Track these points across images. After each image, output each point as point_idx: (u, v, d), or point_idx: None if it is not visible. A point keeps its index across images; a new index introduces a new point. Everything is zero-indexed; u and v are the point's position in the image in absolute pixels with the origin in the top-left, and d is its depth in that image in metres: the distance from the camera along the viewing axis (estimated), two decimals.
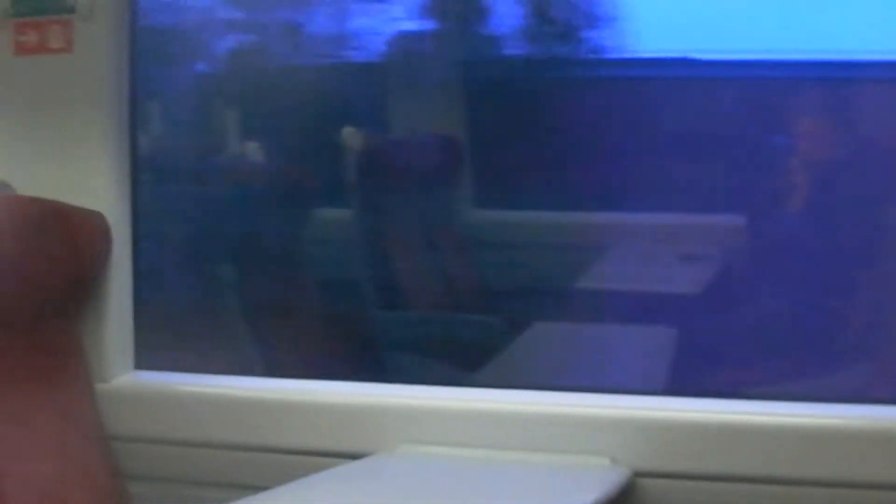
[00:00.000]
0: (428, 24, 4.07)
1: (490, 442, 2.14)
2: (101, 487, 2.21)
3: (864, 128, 3.37)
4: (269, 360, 3.14)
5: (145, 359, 2.44)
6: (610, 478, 1.97)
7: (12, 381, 2.08)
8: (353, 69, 3.90)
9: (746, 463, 1.98)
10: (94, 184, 2.35)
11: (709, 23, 3.33)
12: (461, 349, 3.35)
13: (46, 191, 2.23)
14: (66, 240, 2.23)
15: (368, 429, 2.20)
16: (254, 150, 3.53)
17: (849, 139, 3.40)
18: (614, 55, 3.85)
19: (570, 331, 3.36)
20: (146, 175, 2.60)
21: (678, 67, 3.69)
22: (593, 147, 3.53)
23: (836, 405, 2.05)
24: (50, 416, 2.15)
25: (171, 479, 2.31)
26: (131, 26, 2.41)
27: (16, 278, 2.06)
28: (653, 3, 3.75)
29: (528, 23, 4.04)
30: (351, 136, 3.59)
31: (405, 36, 3.96)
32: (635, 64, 3.81)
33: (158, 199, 2.91)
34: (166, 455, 2.31)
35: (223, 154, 3.70)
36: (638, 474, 2.03)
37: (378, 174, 3.84)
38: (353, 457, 2.13)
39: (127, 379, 2.39)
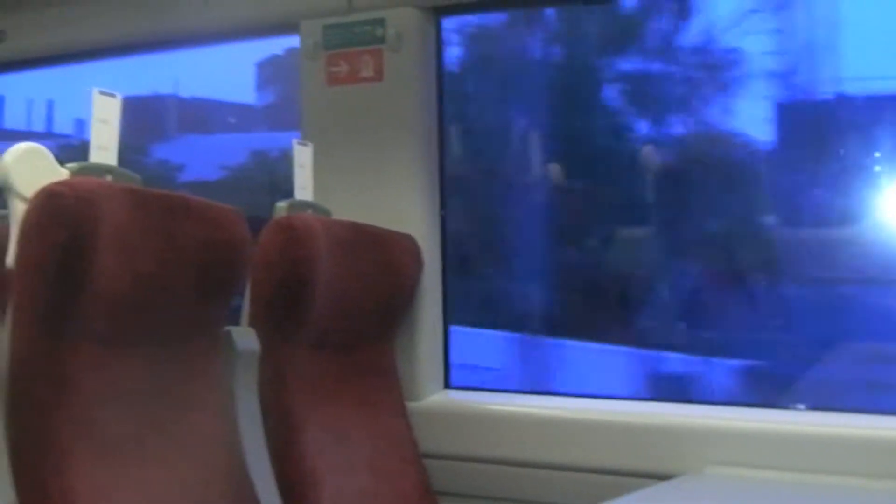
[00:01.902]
0: None
1: (804, 465, 2.04)
2: (413, 503, 2.27)
3: None
4: None
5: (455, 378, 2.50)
6: None
7: (331, 399, 2.16)
8: None
9: None
10: (405, 207, 2.43)
11: None
12: None
13: (360, 215, 2.32)
14: (380, 262, 2.31)
15: (675, 449, 2.16)
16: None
17: None
18: None
19: None
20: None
21: None
22: None
23: None
24: (365, 432, 2.22)
25: (480, 496, 2.34)
26: (438, 56, 2.48)
27: (335, 301, 2.14)
28: None
29: None
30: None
31: None
32: None
33: None
34: (476, 473, 2.34)
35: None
36: None
37: None
38: (660, 477, 2.09)
39: (438, 398, 2.45)
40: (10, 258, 1.61)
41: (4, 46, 3.07)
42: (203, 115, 3.99)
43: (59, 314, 1.59)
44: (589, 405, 2.38)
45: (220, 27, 2.68)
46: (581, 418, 2.30)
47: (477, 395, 2.49)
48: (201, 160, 3.68)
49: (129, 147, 1.74)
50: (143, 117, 3.96)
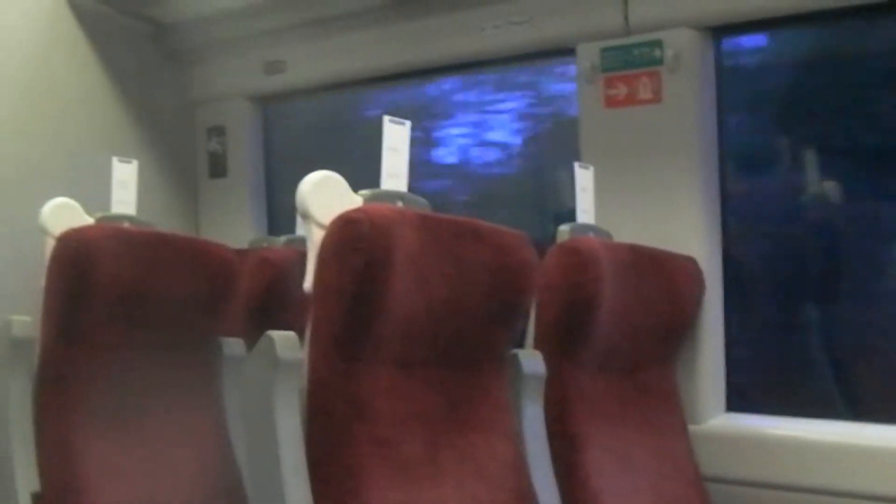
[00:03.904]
0: None
1: None
2: None
3: None
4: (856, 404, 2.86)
5: (736, 401, 2.46)
6: None
7: (614, 421, 2.16)
8: None
9: None
10: (685, 229, 2.40)
11: None
12: None
13: (640, 237, 2.31)
14: (661, 285, 2.30)
15: None
16: None
17: None
18: None
19: None
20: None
21: None
22: None
23: None
24: (648, 455, 2.21)
25: None
26: (717, 76, 2.45)
27: (617, 324, 2.14)
28: None
29: None
30: None
31: None
32: None
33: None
34: (758, 498, 2.29)
35: None
36: None
37: None
38: None
39: (719, 421, 2.41)
40: (308, 283, 1.68)
41: (285, 76, 3.21)
42: None
43: (356, 337, 1.65)
44: (876, 432, 2.28)
45: (496, 53, 2.73)
46: (868, 445, 2.21)
47: (759, 419, 2.43)
48: None
49: None
50: None
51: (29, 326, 2.23)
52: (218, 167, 3.38)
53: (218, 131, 3.38)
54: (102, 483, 2.16)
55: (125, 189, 2.44)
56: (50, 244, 2.25)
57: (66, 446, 2.15)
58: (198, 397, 2.43)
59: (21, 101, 2.89)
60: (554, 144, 3.09)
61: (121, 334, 2.28)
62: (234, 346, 2.48)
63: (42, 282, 2.22)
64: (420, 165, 2.48)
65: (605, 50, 2.49)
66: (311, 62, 3.14)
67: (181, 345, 2.39)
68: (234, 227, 3.26)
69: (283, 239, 2.82)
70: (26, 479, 2.16)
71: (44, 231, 2.32)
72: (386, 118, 1.78)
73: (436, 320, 1.75)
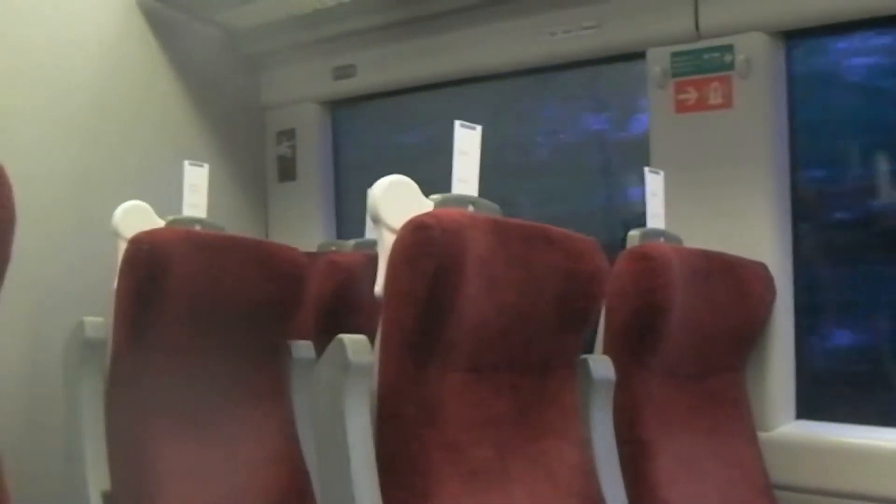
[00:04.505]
0: None
1: None
2: None
3: None
4: None
5: (807, 408, 2.43)
6: None
7: (684, 428, 2.15)
8: None
9: None
10: (756, 235, 2.38)
11: None
12: None
13: (710, 242, 2.29)
14: (731, 290, 2.27)
15: None
16: None
17: None
18: None
19: None
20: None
21: None
22: None
23: None
24: (717, 462, 2.19)
25: None
26: (788, 81, 2.42)
27: (687, 329, 2.13)
28: None
29: None
30: None
31: None
32: None
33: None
34: None
35: None
36: None
37: None
38: None
39: (789, 428, 2.38)
40: (379, 287, 1.68)
41: (355, 81, 3.23)
42: None
43: (427, 342, 1.65)
44: None
45: (567, 57, 2.72)
46: None
47: (829, 426, 2.40)
48: None
49: None
50: None
51: (101, 328, 2.26)
52: (287, 171, 3.41)
53: (288, 135, 3.40)
54: (172, 483, 2.18)
55: (196, 192, 2.46)
56: (122, 246, 2.28)
57: (137, 446, 2.18)
58: (267, 400, 2.44)
59: (93, 105, 2.92)
60: None
61: (191, 336, 2.30)
62: (303, 349, 2.49)
63: (114, 284, 2.25)
64: None
65: (675, 55, 2.48)
66: (380, 67, 3.16)
67: (251, 347, 2.41)
68: (304, 231, 3.28)
69: (352, 242, 2.83)
70: (97, 478, 2.19)
71: (116, 233, 2.35)
72: (457, 123, 1.78)
73: (506, 325, 1.75)
